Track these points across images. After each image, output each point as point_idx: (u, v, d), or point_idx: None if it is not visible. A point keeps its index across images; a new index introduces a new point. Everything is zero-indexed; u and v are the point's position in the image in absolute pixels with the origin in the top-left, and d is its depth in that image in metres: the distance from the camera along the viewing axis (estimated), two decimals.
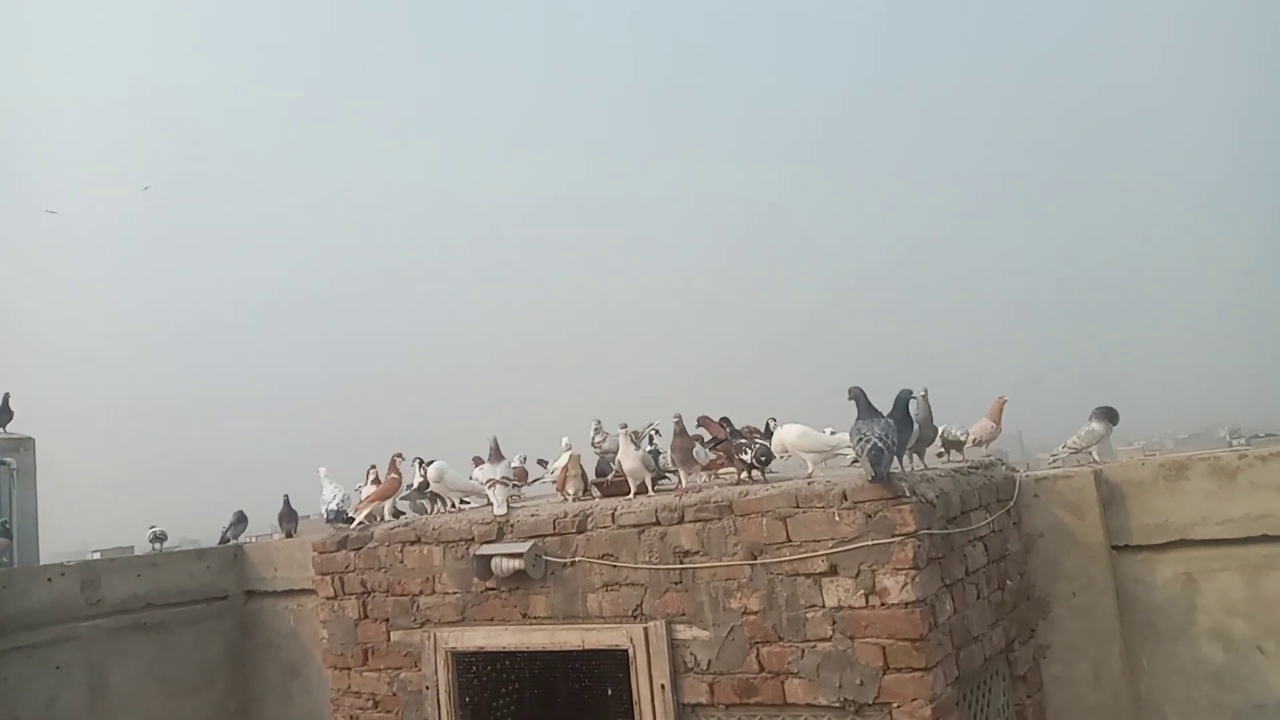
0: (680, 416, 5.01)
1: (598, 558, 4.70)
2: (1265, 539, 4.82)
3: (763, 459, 4.87)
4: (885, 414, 4.46)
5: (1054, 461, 5.72)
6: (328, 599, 5.57)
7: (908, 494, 4.07)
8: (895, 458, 4.32)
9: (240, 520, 8.08)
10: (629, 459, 5.11)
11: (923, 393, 4.99)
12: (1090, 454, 5.56)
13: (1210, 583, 4.96)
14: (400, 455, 6.23)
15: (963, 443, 5.56)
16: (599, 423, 6.07)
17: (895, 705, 3.99)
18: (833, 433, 4.99)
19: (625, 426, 5.17)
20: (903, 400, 4.67)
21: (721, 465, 5.27)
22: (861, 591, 4.08)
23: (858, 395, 4.44)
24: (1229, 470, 4.91)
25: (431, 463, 5.79)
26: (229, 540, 8.01)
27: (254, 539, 8.34)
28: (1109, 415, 5.58)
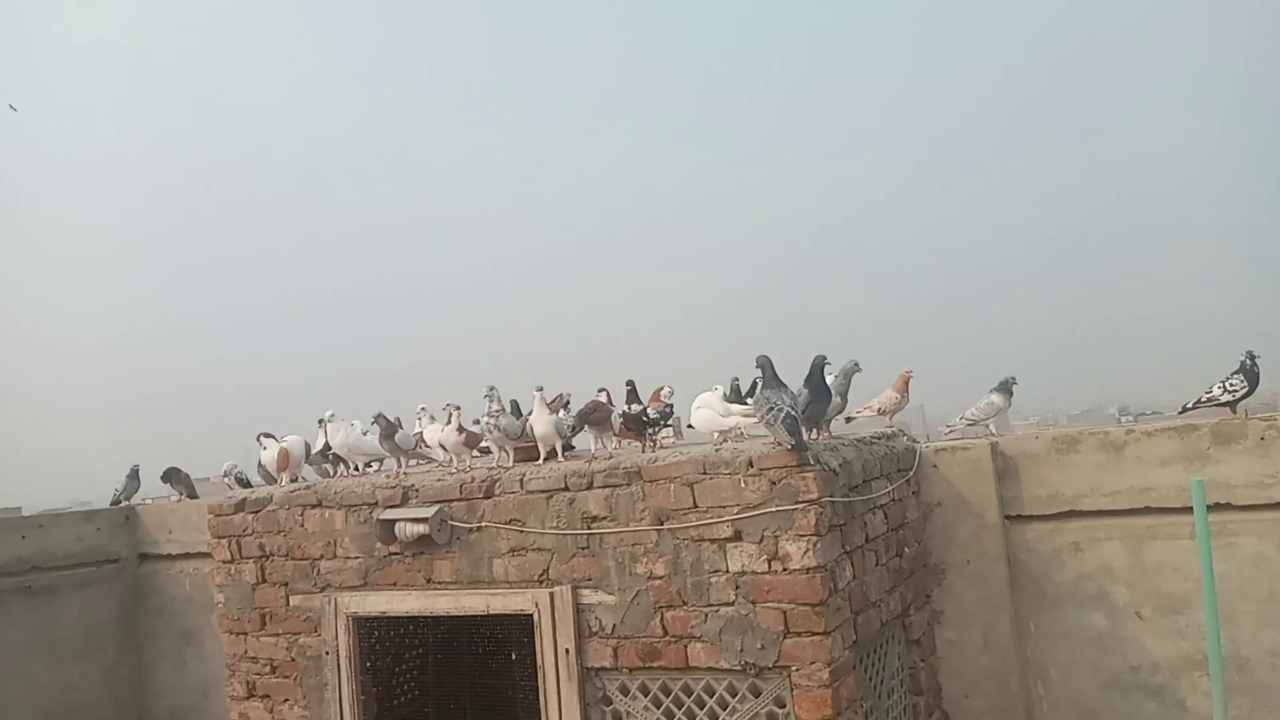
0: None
1: (504, 523, 4.67)
2: (1148, 510, 5.04)
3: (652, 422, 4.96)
4: (803, 382, 4.57)
5: (950, 432, 5.87)
6: (224, 563, 5.42)
7: (812, 462, 4.14)
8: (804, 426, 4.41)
9: (133, 479, 7.80)
10: (541, 423, 5.08)
11: (853, 365, 5.17)
12: (988, 426, 5.71)
13: (1096, 552, 5.17)
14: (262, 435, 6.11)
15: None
16: (492, 389, 5.45)
17: (794, 668, 4.07)
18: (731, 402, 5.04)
19: (541, 389, 5.13)
20: (818, 367, 4.76)
21: (631, 435, 5.30)
22: (764, 557, 4.14)
23: (764, 364, 4.49)
24: (1117, 445, 5.11)
25: (332, 421, 5.67)
26: (120, 501, 7.73)
27: (148, 500, 8.07)
28: (1007, 388, 5.73)
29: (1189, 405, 5.31)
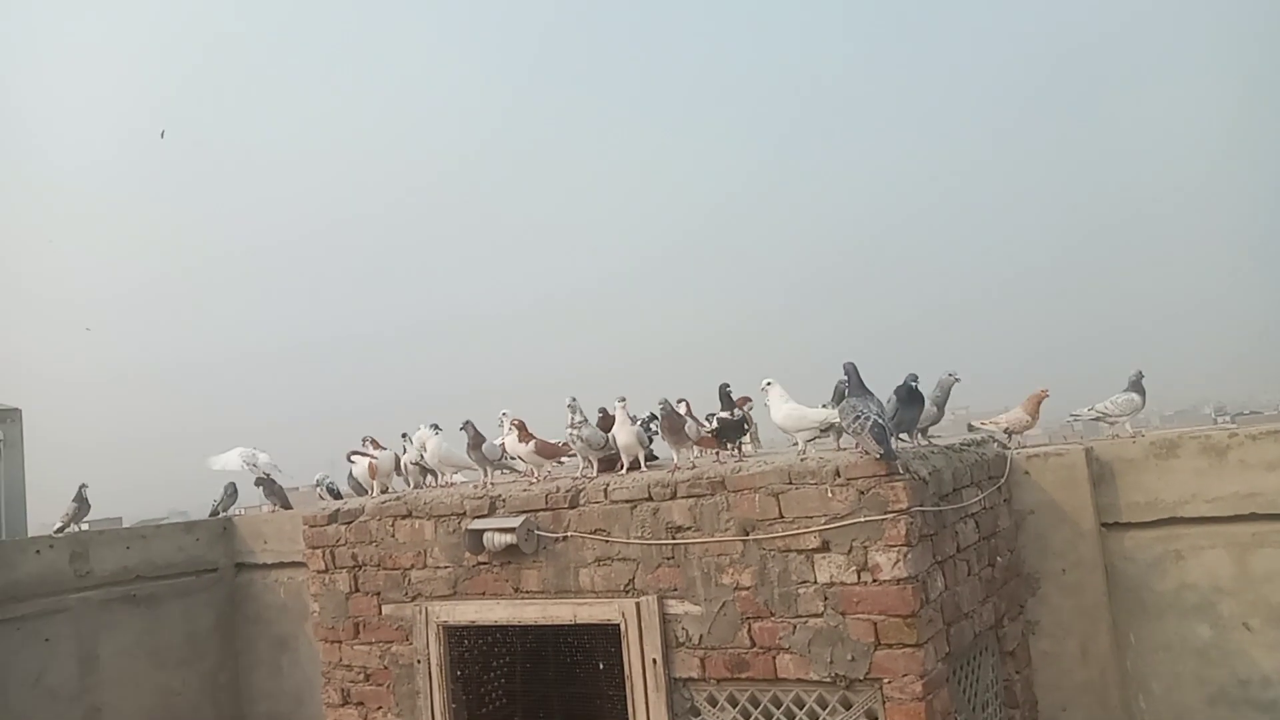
0: (667, 401, 5.07)
1: (590, 533, 4.70)
2: (1253, 517, 4.84)
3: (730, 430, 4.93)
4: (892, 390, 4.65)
5: (1076, 418, 5.73)
6: (318, 572, 5.57)
7: (901, 471, 4.07)
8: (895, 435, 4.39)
9: (231, 492, 8.05)
10: (624, 433, 5.10)
11: (950, 378, 5.16)
12: (1124, 424, 5.51)
13: (1198, 560, 4.98)
14: (373, 439, 6.25)
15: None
16: (574, 400, 5.48)
17: (886, 681, 4.01)
18: (825, 405, 4.99)
19: (623, 400, 5.15)
20: (909, 381, 4.77)
21: (712, 444, 5.29)
22: (854, 568, 4.09)
23: (850, 370, 4.44)
24: (1219, 449, 4.92)
25: (425, 434, 5.78)
26: (219, 513, 7.99)
27: (243, 511, 8.32)
28: (1140, 385, 5.54)
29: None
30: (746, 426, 5.25)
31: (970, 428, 5.67)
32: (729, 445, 5.13)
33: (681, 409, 5.37)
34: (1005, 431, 5.59)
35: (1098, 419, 5.58)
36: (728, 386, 5.19)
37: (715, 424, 5.14)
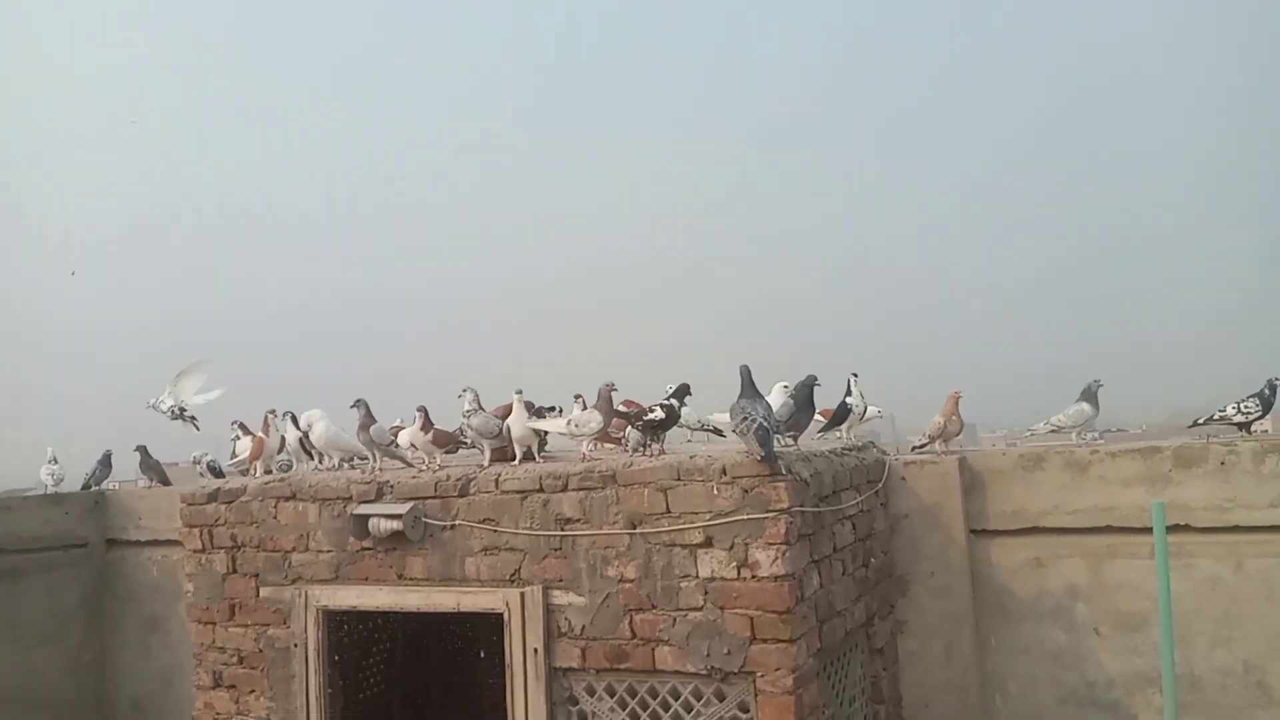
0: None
1: (478, 522, 4.71)
2: (1109, 529, 5.15)
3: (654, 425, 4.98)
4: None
5: (1030, 437, 5.85)
6: (195, 552, 5.42)
7: (784, 472, 4.20)
8: (778, 436, 4.52)
9: (105, 464, 7.76)
10: (517, 424, 5.12)
11: (811, 379, 5.21)
12: (1075, 434, 5.66)
13: (1057, 568, 5.28)
14: (272, 412, 6.11)
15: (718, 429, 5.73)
16: (466, 389, 5.47)
17: (760, 674, 4.14)
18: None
19: (520, 392, 5.18)
20: (808, 384, 4.94)
21: (610, 439, 5.35)
22: (734, 564, 4.20)
23: (744, 373, 4.56)
24: (1081, 464, 5.22)
25: (313, 415, 5.68)
26: (91, 486, 7.69)
27: (117, 485, 8.03)
28: (1093, 395, 5.66)
29: (1200, 420, 5.44)
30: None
31: (914, 448, 5.85)
32: (650, 441, 5.07)
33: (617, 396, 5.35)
34: (930, 439, 5.75)
35: (1054, 430, 5.70)
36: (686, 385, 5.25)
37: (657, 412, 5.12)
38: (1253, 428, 5.26)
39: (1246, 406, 5.25)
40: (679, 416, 5.12)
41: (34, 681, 7.05)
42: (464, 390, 5.28)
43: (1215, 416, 5.34)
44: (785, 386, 5.14)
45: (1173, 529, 4.63)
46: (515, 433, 5.13)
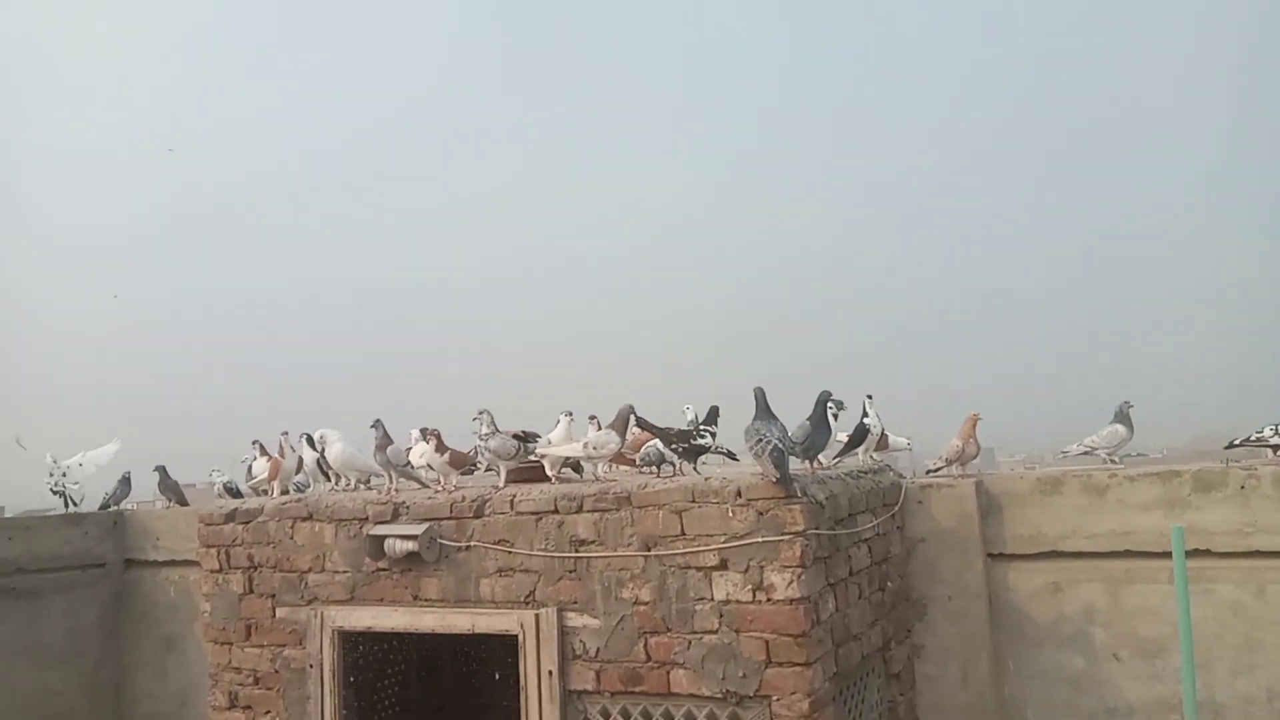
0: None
1: (493, 543, 4.72)
2: (1128, 554, 5.11)
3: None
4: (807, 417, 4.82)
5: (1063, 458, 5.66)
6: (212, 572, 5.45)
7: (799, 495, 4.20)
8: (795, 458, 4.52)
9: (124, 484, 7.81)
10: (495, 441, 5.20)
11: (838, 400, 5.21)
12: (1103, 456, 5.50)
13: (1075, 593, 5.23)
14: (285, 434, 6.16)
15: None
16: (483, 412, 5.65)
17: (775, 698, 4.12)
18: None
19: (569, 414, 5.27)
20: (822, 401, 4.87)
21: (625, 461, 5.38)
22: (749, 586, 4.19)
23: (758, 395, 4.57)
24: (1099, 488, 5.19)
25: (328, 435, 5.72)
26: (110, 506, 7.74)
27: (136, 506, 8.07)
28: (1127, 416, 5.51)
29: (1236, 442, 5.33)
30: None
31: (929, 472, 5.82)
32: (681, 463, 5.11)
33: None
34: (947, 462, 5.72)
35: (1086, 453, 5.57)
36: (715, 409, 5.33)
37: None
38: None
39: None
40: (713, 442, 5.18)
41: (51, 701, 7.08)
42: (480, 413, 5.32)
43: (1252, 438, 5.22)
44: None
45: (1192, 554, 4.59)
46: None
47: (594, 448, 5.02)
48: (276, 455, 6.15)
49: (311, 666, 5.08)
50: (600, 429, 5.30)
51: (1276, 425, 5.17)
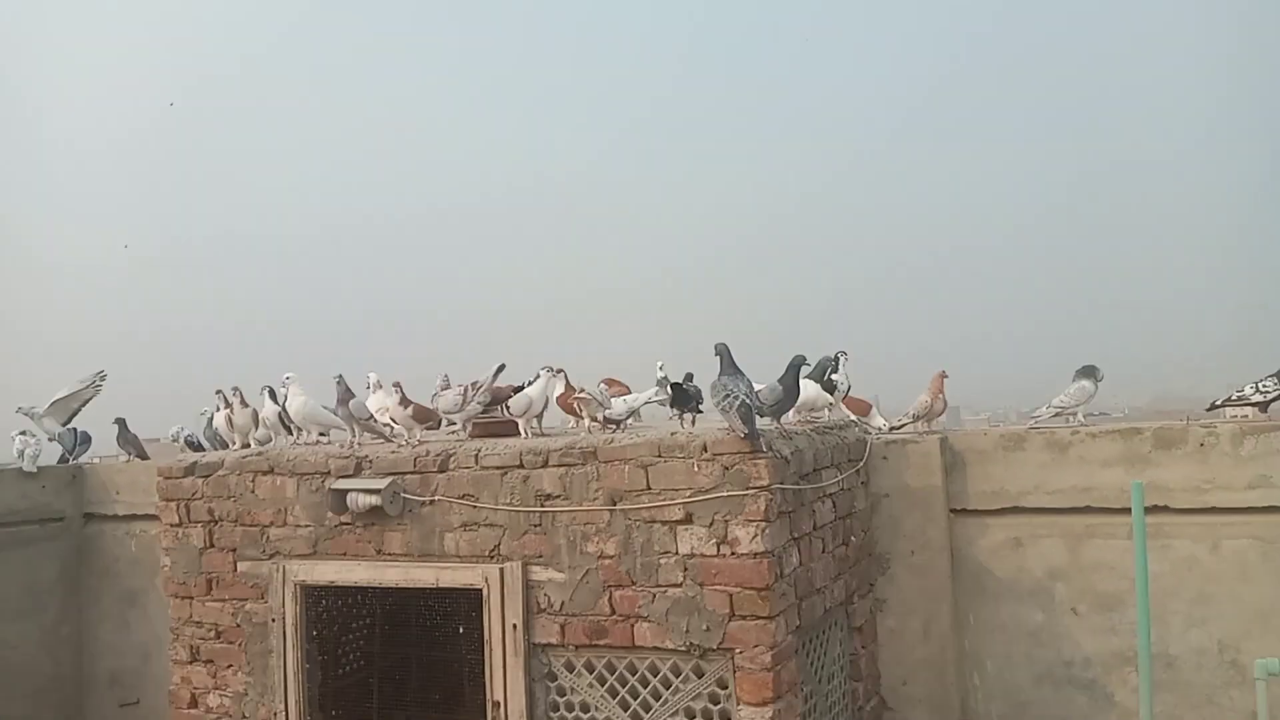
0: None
1: (458, 497, 4.69)
2: (1088, 510, 5.17)
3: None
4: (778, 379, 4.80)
5: (1036, 421, 5.57)
6: (172, 526, 5.38)
7: (765, 449, 4.19)
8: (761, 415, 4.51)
9: (83, 440, 7.68)
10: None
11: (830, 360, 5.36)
12: (1076, 415, 5.47)
13: (1036, 548, 5.30)
14: (236, 389, 6.07)
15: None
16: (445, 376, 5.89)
17: (738, 651, 4.14)
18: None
19: (549, 368, 5.24)
20: (795, 366, 4.86)
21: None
22: (714, 540, 4.20)
23: (722, 351, 4.55)
24: (1062, 444, 5.23)
25: (290, 388, 5.63)
26: (68, 459, 7.61)
27: (97, 460, 7.96)
28: (1093, 373, 5.48)
29: (1218, 402, 5.35)
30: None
31: (891, 429, 5.83)
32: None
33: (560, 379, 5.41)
34: (914, 418, 5.73)
35: (1057, 414, 5.52)
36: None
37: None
38: (1270, 408, 5.17)
39: (1265, 386, 5.14)
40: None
41: (10, 656, 6.99)
42: (444, 377, 5.32)
43: (1234, 397, 5.22)
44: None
45: (1151, 510, 4.64)
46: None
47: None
48: (233, 408, 6.06)
49: (274, 620, 5.05)
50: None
51: (1258, 383, 5.19)
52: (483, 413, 5.27)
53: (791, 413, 5.21)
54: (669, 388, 5.27)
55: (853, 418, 5.74)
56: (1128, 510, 4.32)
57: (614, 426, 5.16)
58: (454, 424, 5.60)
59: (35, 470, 7.23)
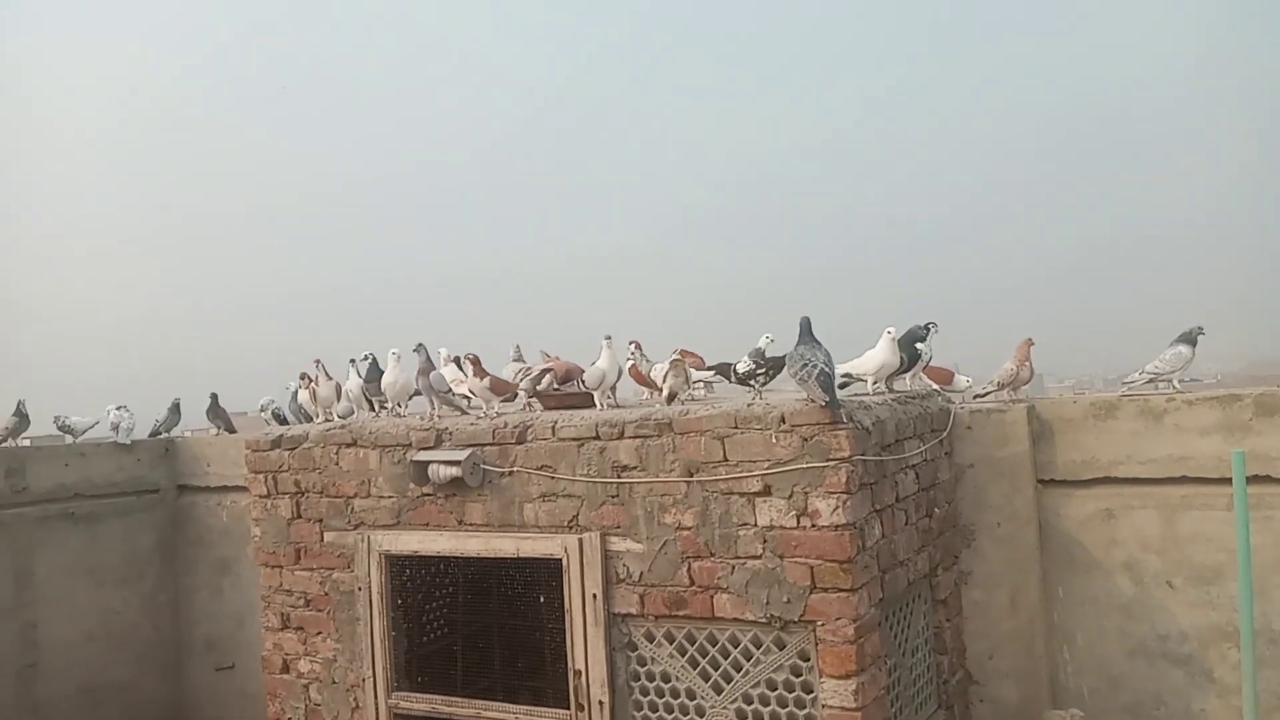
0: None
1: (536, 469, 4.71)
2: (1184, 480, 4.97)
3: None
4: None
5: (1129, 386, 5.34)
6: (260, 497, 5.53)
7: (845, 420, 4.12)
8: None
9: (174, 412, 7.94)
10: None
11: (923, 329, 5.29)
12: (1172, 382, 5.22)
13: (1128, 519, 5.12)
14: (319, 361, 6.16)
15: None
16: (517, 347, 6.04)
17: (820, 623, 4.10)
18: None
19: (609, 338, 5.19)
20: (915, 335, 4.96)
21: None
22: (794, 512, 4.14)
23: (803, 323, 4.47)
24: (1156, 412, 5.03)
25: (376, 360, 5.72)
26: (160, 433, 7.88)
27: (188, 433, 8.22)
28: (1192, 339, 5.21)
29: None
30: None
31: (976, 396, 5.66)
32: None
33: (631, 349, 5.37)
34: (999, 386, 5.54)
35: (1151, 380, 5.28)
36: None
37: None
38: None
39: None
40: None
41: (113, 621, 7.32)
42: (517, 349, 5.34)
43: None
44: (890, 332, 5.06)
45: (1252, 479, 4.44)
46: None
47: None
48: (315, 380, 6.15)
49: (360, 589, 5.16)
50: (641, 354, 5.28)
51: None
52: (556, 389, 5.28)
53: (869, 383, 5.13)
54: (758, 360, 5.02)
55: (935, 387, 5.60)
56: (1226, 480, 4.15)
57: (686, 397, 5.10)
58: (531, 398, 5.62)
59: (130, 443, 7.50)
